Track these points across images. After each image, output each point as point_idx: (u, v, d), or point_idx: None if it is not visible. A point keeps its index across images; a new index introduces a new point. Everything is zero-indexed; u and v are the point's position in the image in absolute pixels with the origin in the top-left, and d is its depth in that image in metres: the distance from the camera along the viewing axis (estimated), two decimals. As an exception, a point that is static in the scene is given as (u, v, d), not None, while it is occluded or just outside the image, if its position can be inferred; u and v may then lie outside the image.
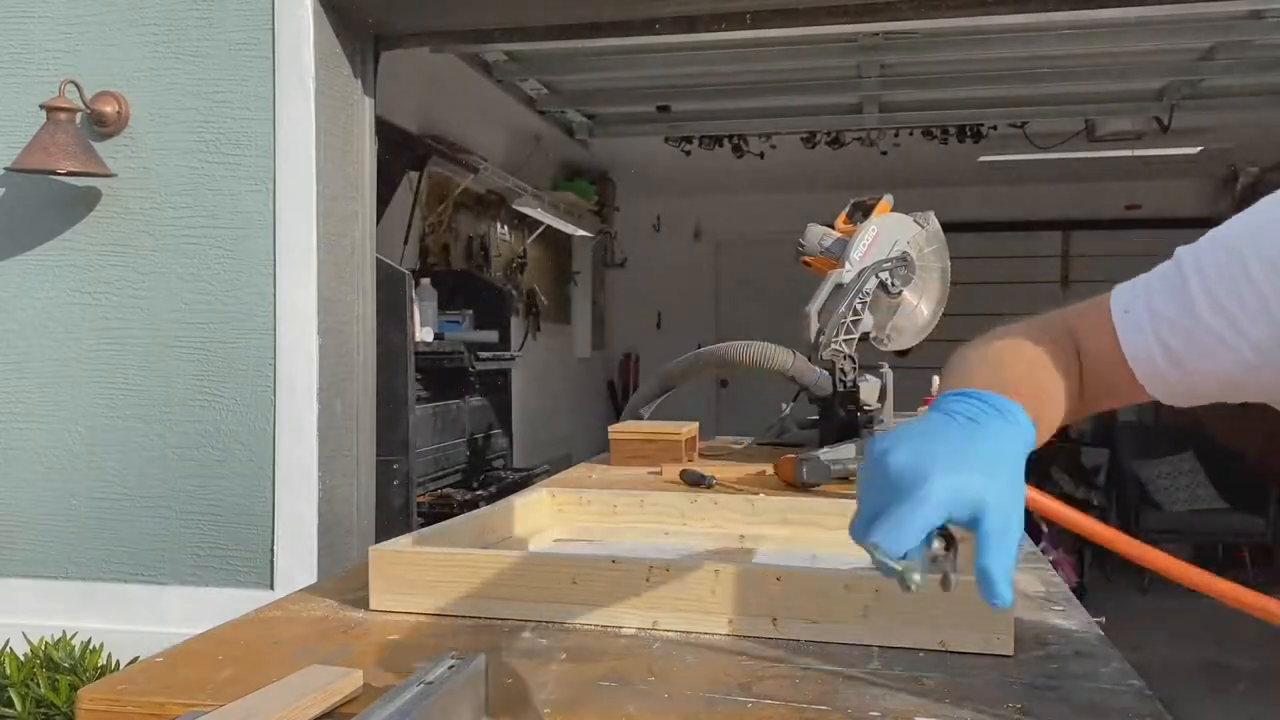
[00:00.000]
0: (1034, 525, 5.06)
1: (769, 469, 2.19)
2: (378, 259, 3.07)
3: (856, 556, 1.40)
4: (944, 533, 0.76)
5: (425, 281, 4.03)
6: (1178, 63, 4.69)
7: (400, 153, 4.26)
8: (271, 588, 2.69)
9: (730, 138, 6.26)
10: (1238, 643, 4.77)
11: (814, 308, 2.57)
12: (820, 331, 2.54)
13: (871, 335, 2.66)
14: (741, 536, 1.58)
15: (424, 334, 3.75)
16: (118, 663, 2.50)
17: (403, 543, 1.27)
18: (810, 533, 1.55)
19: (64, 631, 2.54)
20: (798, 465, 2.00)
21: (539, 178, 6.34)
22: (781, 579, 1.07)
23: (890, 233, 2.63)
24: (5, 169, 2.70)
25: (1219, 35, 4.24)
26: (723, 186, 7.56)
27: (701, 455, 2.63)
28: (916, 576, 0.72)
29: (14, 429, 2.82)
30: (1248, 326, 0.86)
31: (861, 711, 0.86)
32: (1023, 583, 1.26)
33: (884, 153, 6.31)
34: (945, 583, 0.78)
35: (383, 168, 3.16)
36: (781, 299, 3.29)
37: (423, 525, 3.15)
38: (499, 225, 6.00)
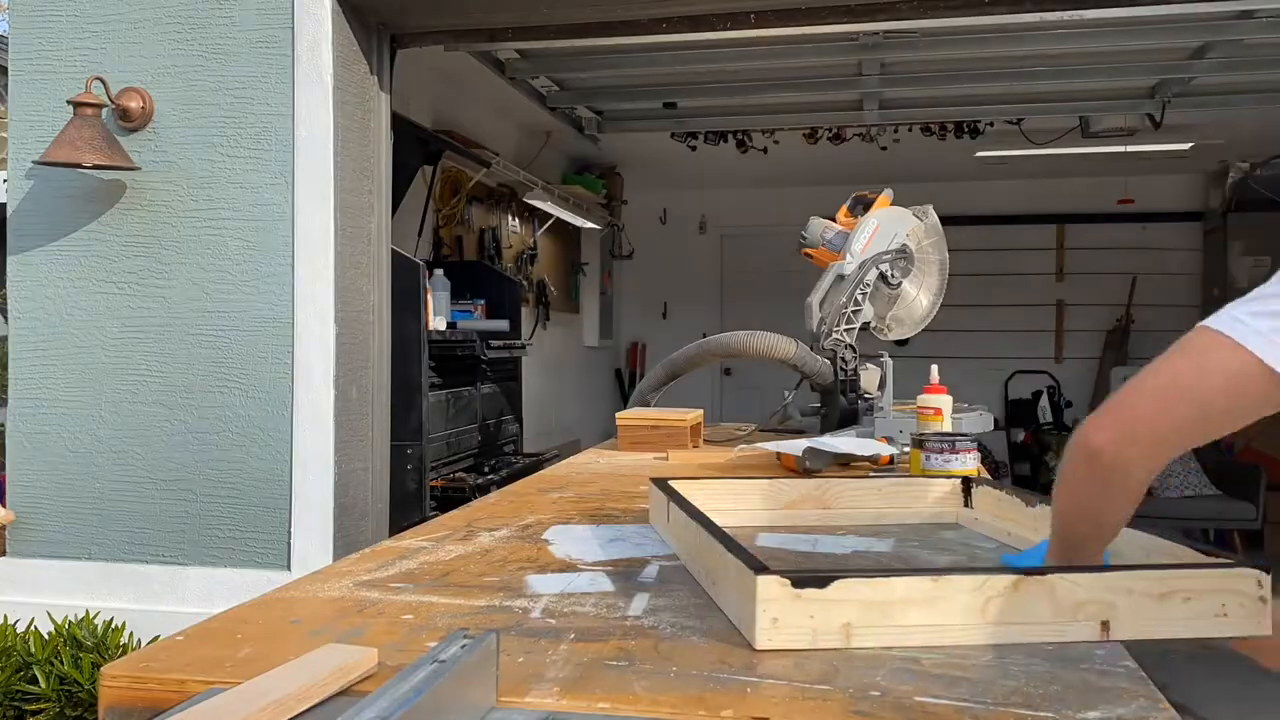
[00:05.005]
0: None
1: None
2: (393, 250, 3.12)
3: (854, 539, 1.47)
4: None
5: (439, 272, 4.05)
6: (1169, 61, 4.71)
7: (415, 147, 4.26)
8: (288, 569, 2.74)
9: (735, 133, 6.27)
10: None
11: (816, 298, 2.63)
12: (822, 321, 2.61)
13: (872, 325, 2.72)
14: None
15: (437, 323, 3.77)
16: (139, 641, 2.54)
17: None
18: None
19: (87, 611, 2.59)
20: (800, 455, 2.07)
21: (549, 172, 6.38)
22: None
23: (890, 226, 2.69)
24: (34, 162, 2.76)
25: (1210, 34, 4.27)
26: (727, 181, 7.60)
27: (706, 441, 2.69)
28: None
29: (40, 414, 2.88)
30: None
31: (862, 691, 0.87)
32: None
33: (884, 148, 6.35)
34: None
35: (398, 162, 3.19)
36: (784, 290, 3.35)
37: (435, 509, 3.21)
38: (510, 218, 6.02)
